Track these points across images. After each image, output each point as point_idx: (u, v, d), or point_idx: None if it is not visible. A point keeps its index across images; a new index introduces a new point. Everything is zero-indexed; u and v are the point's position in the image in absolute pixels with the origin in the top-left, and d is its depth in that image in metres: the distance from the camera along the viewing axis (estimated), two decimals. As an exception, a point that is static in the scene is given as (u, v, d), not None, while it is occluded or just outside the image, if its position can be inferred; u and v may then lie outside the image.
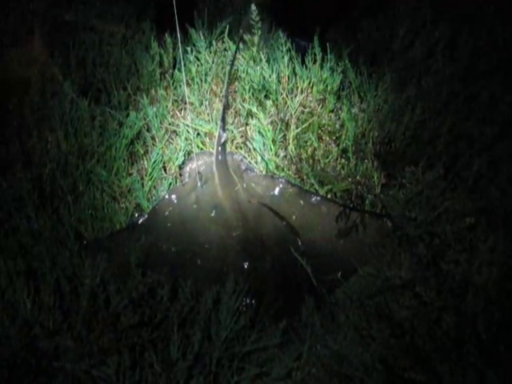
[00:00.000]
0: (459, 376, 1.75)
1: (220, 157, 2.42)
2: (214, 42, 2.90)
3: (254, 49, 2.80)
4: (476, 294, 1.92)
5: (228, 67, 2.80)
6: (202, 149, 2.62)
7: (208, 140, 2.64)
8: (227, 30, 2.91)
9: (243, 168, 2.49)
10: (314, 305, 1.98)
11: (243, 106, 2.69)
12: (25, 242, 2.07)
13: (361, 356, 1.83)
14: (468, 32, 3.18)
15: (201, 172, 2.37)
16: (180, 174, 2.48)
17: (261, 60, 2.79)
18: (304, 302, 1.97)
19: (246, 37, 2.81)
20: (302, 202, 2.31)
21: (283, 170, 2.52)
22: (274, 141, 2.55)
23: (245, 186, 2.35)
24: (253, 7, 2.72)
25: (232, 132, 2.65)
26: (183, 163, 2.50)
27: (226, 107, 2.63)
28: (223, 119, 2.48)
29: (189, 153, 2.56)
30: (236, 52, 2.62)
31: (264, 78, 2.73)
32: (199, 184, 2.33)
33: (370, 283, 2.04)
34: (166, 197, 2.31)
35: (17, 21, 3.07)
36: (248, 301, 1.94)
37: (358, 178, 2.42)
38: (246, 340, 1.79)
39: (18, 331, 1.72)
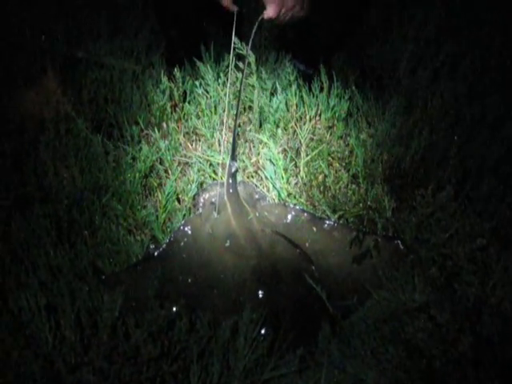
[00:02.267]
0: (477, 397, 1.76)
1: (231, 186, 2.46)
2: (221, 74, 2.96)
3: (254, 77, 2.85)
4: (491, 315, 1.93)
5: (236, 100, 2.86)
6: (214, 179, 2.67)
7: (221, 170, 2.68)
8: (233, 62, 2.97)
9: (256, 197, 2.52)
10: (331, 331, 1.99)
11: (254, 136, 2.73)
12: (44, 278, 2.10)
13: (378, 380, 1.84)
14: (472, 51, 3.23)
15: (214, 202, 2.41)
16: (194, 205, 2.51)
17: (266, 89, 2.86)
18: (320, 329, 1.98)
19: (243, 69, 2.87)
20: (314, 228, 2.34)
21: (295, 197, 2.55)
22: (285, 169, 2.58)
23: (258, 214, 2.37)
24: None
25: (243, 162, 2.70)
26: (196, 194, 2.53)
27: (237, 137, 2.67)
28: (233, 149, 2.52)
29: (201, 184, 2.60)
30: (241, 84, 2.64)
31: (273, 107, 2.78)
32: (213, 214, 2.37)
33: (385, 307, 2.05)
34: (181, 228, 2.33)
35: (29, 60, 3.15)
36: (265, 329, 1.95)
37: (369, 202, 2.44)
38: (265, 368, 1.81)
39: (41, 366, 1.75)
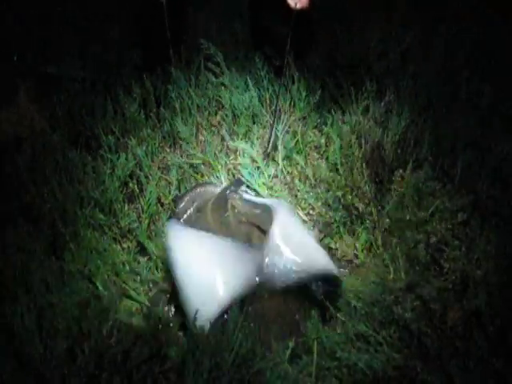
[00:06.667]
0: (469, 370, 1.77)
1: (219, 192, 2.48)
2: (192, 77, 2.97)
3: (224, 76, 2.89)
4: (477, 288, 1.94)
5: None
6: (196, 179, 2.68)
7: (199, 170, 2.69)
8: (203, 64, 2.99)
9: (236, 195, 2.53)
10: (320, 319, 2.01)
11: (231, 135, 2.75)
12: (34, 293, 2.10)
13: (371, 363, 1.85)
14: (440, 32, 3.24)
15: (194, 203, 2.42)
16: (175, 207, 2.52)
17: (238, 87, 2.88)
18: (309, 317, 1.99)
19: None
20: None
21: (276, 191, 2.56)
22: (264, 164, 2.60)
23: (236, 211, 2.39)
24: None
25: (223, 159, 2.71)
26: (177, 196, 2.55)
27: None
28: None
29: (179, 183, 2.62)
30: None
31: (244, 103, 2.79)
32: (193, 215, 2.37)
33: (372, 291, 2.06)
34: (164, 231, 2.34)
35: (1, 79, 3.15)
36: (252, 323, 1.96)
37: (349, 188, 2.46)
38: (254, 361, 1.82)
39: (35, 382, 1.76)
